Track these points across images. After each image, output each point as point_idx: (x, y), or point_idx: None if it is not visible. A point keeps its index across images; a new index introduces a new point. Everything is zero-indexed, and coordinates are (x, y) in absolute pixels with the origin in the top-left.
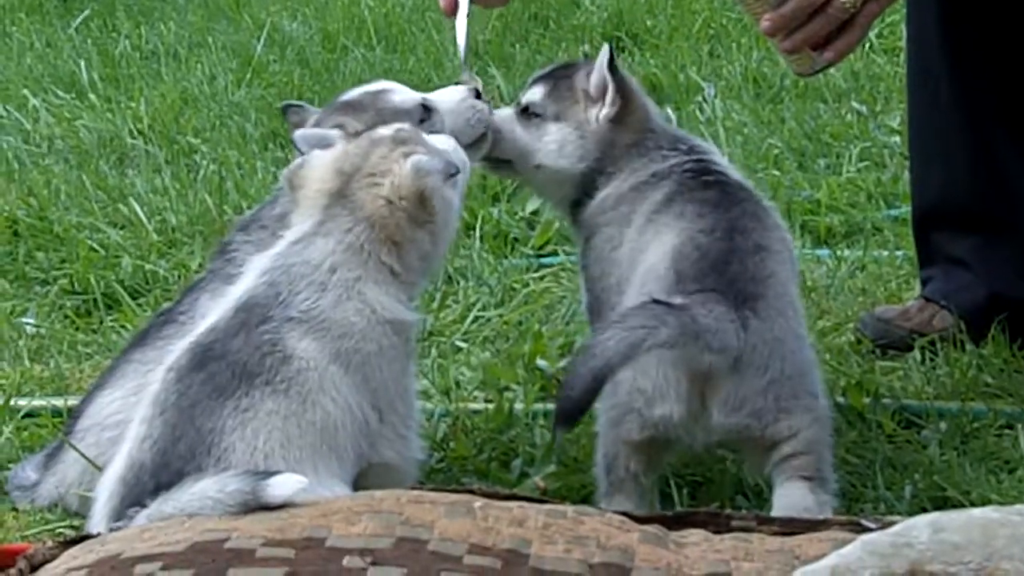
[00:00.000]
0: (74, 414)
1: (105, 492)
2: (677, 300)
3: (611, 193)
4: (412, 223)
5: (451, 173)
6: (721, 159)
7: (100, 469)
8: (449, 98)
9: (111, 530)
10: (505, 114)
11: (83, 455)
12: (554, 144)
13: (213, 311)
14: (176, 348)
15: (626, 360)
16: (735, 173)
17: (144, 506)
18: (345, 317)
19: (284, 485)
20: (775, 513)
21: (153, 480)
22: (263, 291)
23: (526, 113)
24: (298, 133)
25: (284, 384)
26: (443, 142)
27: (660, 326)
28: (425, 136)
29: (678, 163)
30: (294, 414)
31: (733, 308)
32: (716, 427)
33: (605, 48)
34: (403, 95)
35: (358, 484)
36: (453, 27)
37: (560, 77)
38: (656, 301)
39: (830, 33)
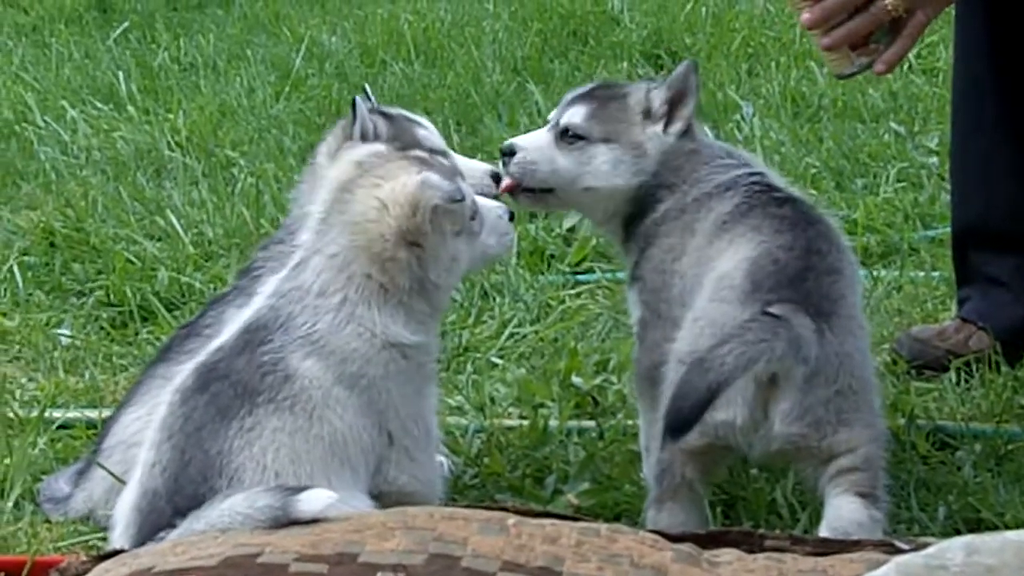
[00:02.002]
0: (101, 432)
1: (122, 522)
2: (780, 309)
3: (674, 205)
4: (399, 237)
5: (455, 199)
6: (772, 173)
7: (125, 484)
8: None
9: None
10: (540, 143)
11: (111, 473)
12: (606, 165)
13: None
14: (184, 369)
15: (743, 374)
16: (794, 190)
17: (173, 526)
18: (346, 342)
19: (314, 500)
20: (825, 526)
21: (170, 505)
22: (266, 313)
23: (566, 136)
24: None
25: (288, 401)
26: (491, 206)
27: (775, 340)
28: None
29: (740, 175)
30: (300, 429)
31: (811, 319)
32: (776, 436)
33: (688, 63)
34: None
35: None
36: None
37: (605, 98)
38: (766, 313)
39: (871, 34)
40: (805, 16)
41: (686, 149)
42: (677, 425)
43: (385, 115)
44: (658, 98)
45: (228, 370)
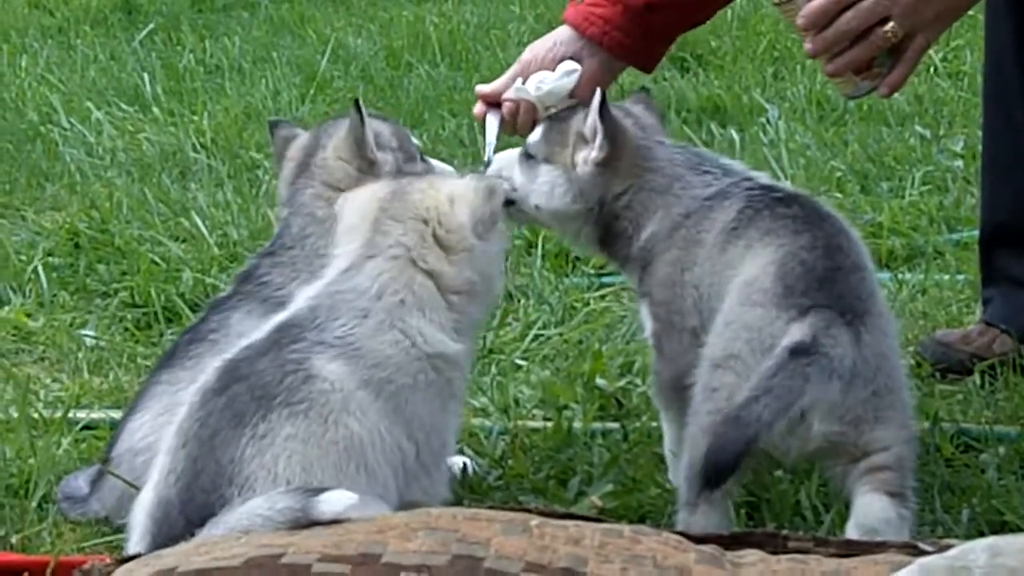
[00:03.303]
0: (111, 440)
1: (138, 529)
2: (805, 330)
3: (660, 227)
4: (472, 228)
5: (508, 201)
6: (758, 173)
7: (138, 489)
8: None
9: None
10: (510, 158)
11: (124, 480)
12: (545, 186)
13: (251, 331)
14: (208, 367)
15: (779, 425)
16: (789, 186)
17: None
18: (381, 348)
19: (334, 501)
20: (852, 522)
21: (182, 516)
22: (302, 314)
23: (526, 154)
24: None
25: (304, 404)
26: None
27: (806, 384)
28: None
29: (732, 183)
30: (314, 435)
31: (846, 323)
32: (815, 435)
33: (598, 92)
34: None
35: None
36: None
37: (557, 119)
38: (792, 353)
39: (873, 59)
40: (808, 46)
41: (618, 182)
42: (715, 479)
43: (373, 116)
44: (588, 123)
45: (249, 371)
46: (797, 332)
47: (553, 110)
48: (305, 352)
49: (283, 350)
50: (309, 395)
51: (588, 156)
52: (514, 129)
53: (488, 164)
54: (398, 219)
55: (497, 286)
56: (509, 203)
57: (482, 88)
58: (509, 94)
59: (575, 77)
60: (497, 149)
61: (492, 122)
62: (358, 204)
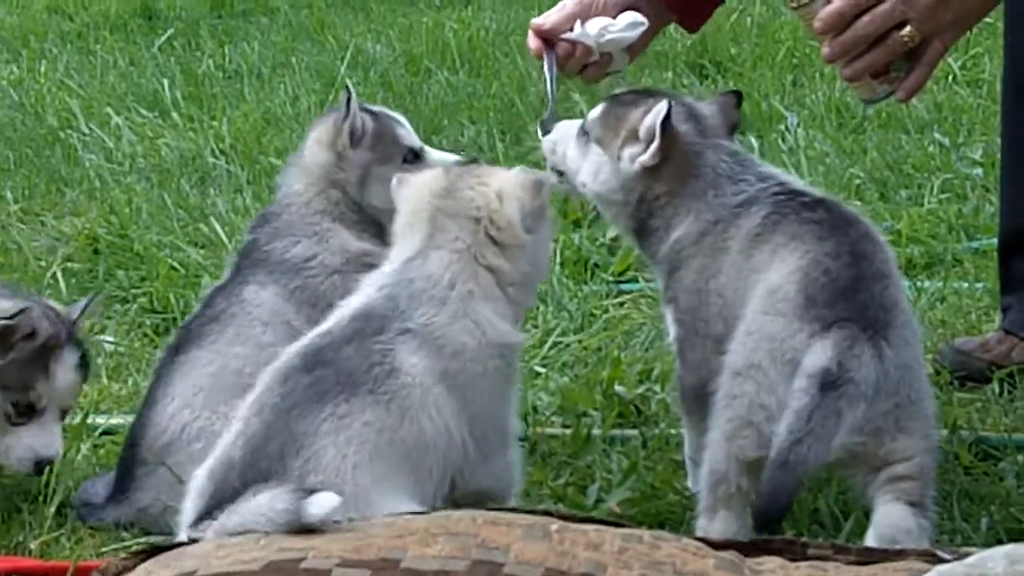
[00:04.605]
0: (134, 438)
1: (196, 488)
2: (829, 352)
3: (688, 232)
4: (522, 222)
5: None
6: (791, 177)
7: (181, 480)
8: None
9: (189, 540)
10: (570, 129)
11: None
12: (592, 167)
13: (270, 301)
14: (286, 352)
15: (824, 461)
16: (817, 191)
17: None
18: (458, 337)
19: (321, 504)
20: (873, 532)
21: (240, 479)
22: (381, 303)
23: (583, 130)
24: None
25: (387, 396)
26: None
27: (839, 420)
28: None
29: (761, 189)
30: (389, 428)
31: (868, 339)
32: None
33: (664, 104)
34: None
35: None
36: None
37: (620, 103)
38: (823, 388)
39: (890, 63)
40: (825, 50)
41: (659, 187)
42: (771, 521)
43: (370, 112)
44: (645, 124)
45: (335, 357)
46: (821, 354)
47: (610, 62)
48: (389, 343)
49: (367, 340)
50: (392, 388)
51: (635, 155)
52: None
53: (552, 103)
54: (452, 216)
55: (546, 271)
56: (559, 173)
57: (539, 22)
58: (569, 35)
59: (639, 31)
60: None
61: (549, 63)
62: (413, 195)
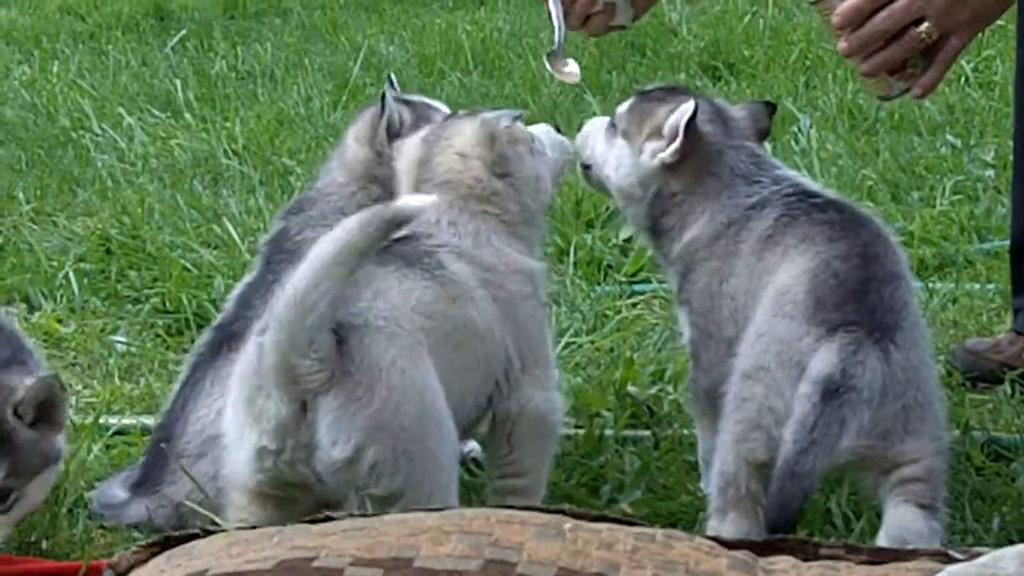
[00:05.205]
0: (167, 430)
1: (272, 323)
2: (833, 358)
3: (702, 232)
4: (490, 173)
5: (514, 117)
6: (803, 178)
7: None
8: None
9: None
10: (600, 123)
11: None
12: (615, 159)
13: None
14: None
15: (830, 466)
16: (831, 192)
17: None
18: (486, 258)
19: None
20: (884, 534)
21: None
22: (413, 227)
23: (612, 123)
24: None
25: (440, 279)
26: (540, 128)
27: (842, 427)
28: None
29: (774, 191)
30: (442, 303)
31: (875, 342)
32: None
33: (691, 104)
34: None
35: (508, 439)
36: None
37: (648, 99)
38: (825, 396)
39: (907, 60)
40: (842, 45)
41: (677, 184)
42: (782, 529)
43: (407, 102)
44: (669, 122)
45: (390, 246)
46: (826, 360)
47: (613, 13)
48: (433, 250)
49: (413, 241)
50: (443, 275)
51: (657, 151)
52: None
53: (558, 48)
54: (435, 185)
55: (545, 197)
56: (586, 167)
57: None
58: None
59: None
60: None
61: (555, 8)
62: (402, 167)
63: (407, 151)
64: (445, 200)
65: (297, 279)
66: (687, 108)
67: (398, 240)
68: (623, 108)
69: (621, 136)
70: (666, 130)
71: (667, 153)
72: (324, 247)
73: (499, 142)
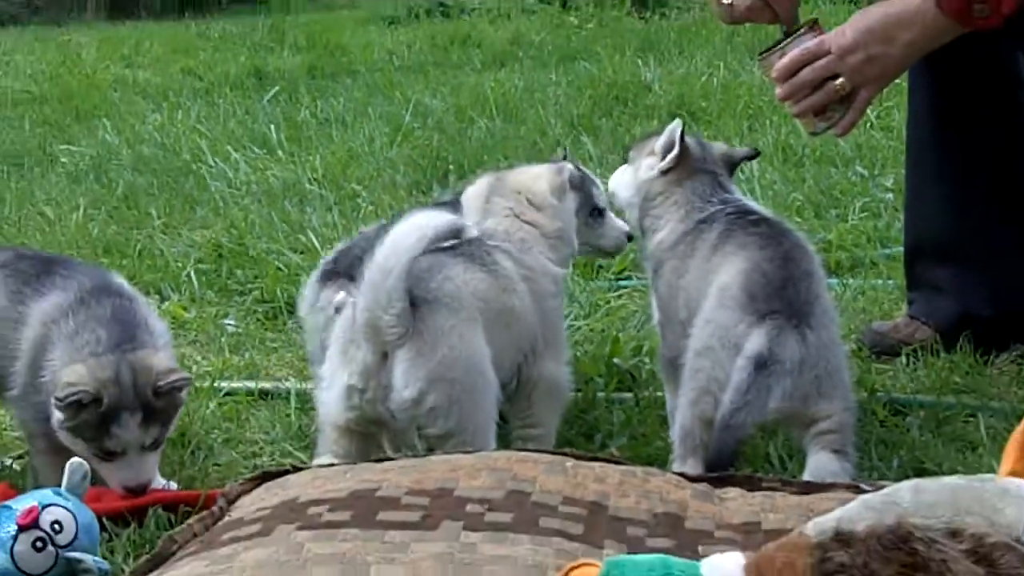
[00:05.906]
0: None
1: (366, 284)
2: (763, 339)
3: (667, 236)
4: (551, 190)
5: (574, 179)
6: (750, 201)
7: None
8: None
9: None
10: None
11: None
12: (623, 181)
13: None
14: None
15: (759, 421)
16: (767, 211)
17: None
18: (527, 260)
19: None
20: (807, 475)
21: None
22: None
23: (625, 159)
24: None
25: (495, 272)
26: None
27: (769, 392)
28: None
29: (719, 209)
30: (492, 288)
31: (794, 326)
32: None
33: (679, 122)
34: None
35: (528, 398)
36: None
37: (647, 136)
38: (757, 367)
39: (827, 105)
40: (779, 91)
41: (666, 190)
42: (720, 467)
43: (578, 168)
44: (661, 141)
45: (460, 244)
46: (756, 340)
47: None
48: (491, 249)
49: (475, 243)
50: (496, 269)
51: (652, 165)
52: None
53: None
54: (502, 195)
55: (572, 237)
56: (619, 212)
57: None
58: None
59: None
60: None
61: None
62: (473, 189)
63: (480, 179)
64: (506, 209)
65: (380, 252)
66: (676, 125)
67: (467, 240)
68: (632, 145)
69: (629, 164)
70: (657, 147)
71: (666, 161)
72: (403, 229)
73: (563, 177)
